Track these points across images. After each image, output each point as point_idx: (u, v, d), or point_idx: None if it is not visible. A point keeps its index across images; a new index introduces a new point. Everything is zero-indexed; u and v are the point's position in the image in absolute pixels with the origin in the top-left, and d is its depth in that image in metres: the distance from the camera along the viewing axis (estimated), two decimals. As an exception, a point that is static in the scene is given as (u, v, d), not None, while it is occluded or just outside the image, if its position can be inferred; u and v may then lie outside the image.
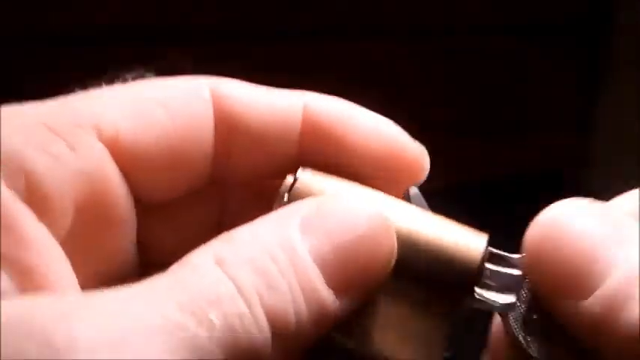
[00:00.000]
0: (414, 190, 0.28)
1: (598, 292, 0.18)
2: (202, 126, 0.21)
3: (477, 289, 0.21)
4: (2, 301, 0.16)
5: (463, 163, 0.68)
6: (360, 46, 0.67)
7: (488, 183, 0.72)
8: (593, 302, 0.18)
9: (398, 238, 0.20)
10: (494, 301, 0.21)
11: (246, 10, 0.65)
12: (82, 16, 0.65)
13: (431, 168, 0.25)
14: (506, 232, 0.23)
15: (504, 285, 0.21)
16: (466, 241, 0.21)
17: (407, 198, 0.28)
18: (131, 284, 0.17)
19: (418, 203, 0.30)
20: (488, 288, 0.21)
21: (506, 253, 0.21)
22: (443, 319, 0.21)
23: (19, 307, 0.16)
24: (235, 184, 0.23)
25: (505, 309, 0.21)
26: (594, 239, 0.18)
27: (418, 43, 0.70)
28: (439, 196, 0.31)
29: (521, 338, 0.20)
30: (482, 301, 0.21)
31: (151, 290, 0.17)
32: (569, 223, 0.19)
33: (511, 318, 0.20)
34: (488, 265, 0.21)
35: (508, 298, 0.21)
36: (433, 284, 0.21)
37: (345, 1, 0.66)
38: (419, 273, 0.21)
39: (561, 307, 0.19)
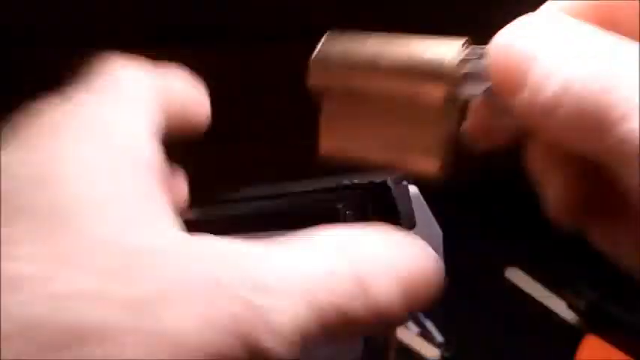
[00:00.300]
0: (413, 190, 0.28)
1: (528, 84, 0.21)
2: None
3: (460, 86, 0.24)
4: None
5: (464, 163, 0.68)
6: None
7: (486, 183, 0.72)
8: (525, 94, 0.21)
9: (381, 59, 0.25)
10: (475, 89, 0.24)
11: (246, 10, 0.66)
12: (82, 16, 0.65)
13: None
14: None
15: (481, 73, 0.24)
16: (444, 46, 0.24)
17: (405, 196, 0.29)
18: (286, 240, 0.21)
19: (417, 203, 0.31)
20: (470, 79, 0.24)
21: (479, 47, 0.24)
22: (436, 121, 0.24)
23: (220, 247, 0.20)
24: None
25: (485, 92, 0.24)
26: (522, 46, 0.22)
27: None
28: (439, 195, 0.31)
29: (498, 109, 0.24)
30: (467, 91, 0.24)
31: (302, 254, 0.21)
32: (505, 36, 0.22)
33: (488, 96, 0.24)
34: (467, 59, 0.24)
35: (485, 84, 0.24)
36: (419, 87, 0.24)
37: (346, 1, 0.67)
38: (404, 81, 0.24)
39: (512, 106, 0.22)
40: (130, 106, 0.23)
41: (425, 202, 0.30)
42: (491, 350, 0.68)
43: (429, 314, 0.69)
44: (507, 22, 0.26)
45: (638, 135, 0.19)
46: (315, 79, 0.27)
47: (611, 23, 0.22)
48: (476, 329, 0.69)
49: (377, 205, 0.28)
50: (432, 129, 0.24)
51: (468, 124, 0.26)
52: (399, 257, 0.22)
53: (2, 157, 0.20)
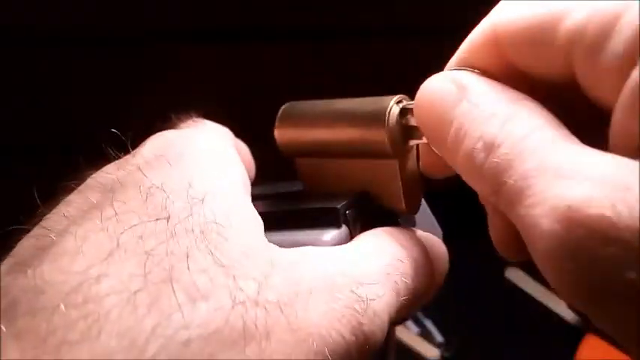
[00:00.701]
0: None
1: (448, 140, 0.23)
2: None
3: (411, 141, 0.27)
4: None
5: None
6: (360, 45, 0.67)
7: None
8: (449, 147, 0.23)
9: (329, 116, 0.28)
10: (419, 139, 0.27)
11: (246, 10, 0.66)
12: (82, 16, 0.65)
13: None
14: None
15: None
16: (383, 100, 0.27)
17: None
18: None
19: (421, 209, 0.31)
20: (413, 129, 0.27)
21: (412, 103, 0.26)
22: (393, 173, 0.28)
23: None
24: None
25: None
26: (439, 100, 0.24)
27: (417, 42, 0.71)
28: (441, 197, 0.31)
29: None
30: (413, 141, 0.27)
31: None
32: (425, 91, 0.24)
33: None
34: (406, 110, 0.27)
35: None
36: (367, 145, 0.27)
37: (345, 2, 0.67)
38: (352, 131, 0.28)
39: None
40: (223, 138, 0.28)
41: (425, 202, 0.31)
42: (491, 350, 0.68)
43: (429, 314, 0.69)
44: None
45: (535, 218, 0.19)
46: (280, 142, 0.30)
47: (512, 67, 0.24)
48: (476, 329, 0.69)
49: (377, 204, 0.28)
50: (390, 179, 0.28)
51: (421, 163, 0.29)
52: (430, 244, 0.27)
53: (158, 178, 0.23)
